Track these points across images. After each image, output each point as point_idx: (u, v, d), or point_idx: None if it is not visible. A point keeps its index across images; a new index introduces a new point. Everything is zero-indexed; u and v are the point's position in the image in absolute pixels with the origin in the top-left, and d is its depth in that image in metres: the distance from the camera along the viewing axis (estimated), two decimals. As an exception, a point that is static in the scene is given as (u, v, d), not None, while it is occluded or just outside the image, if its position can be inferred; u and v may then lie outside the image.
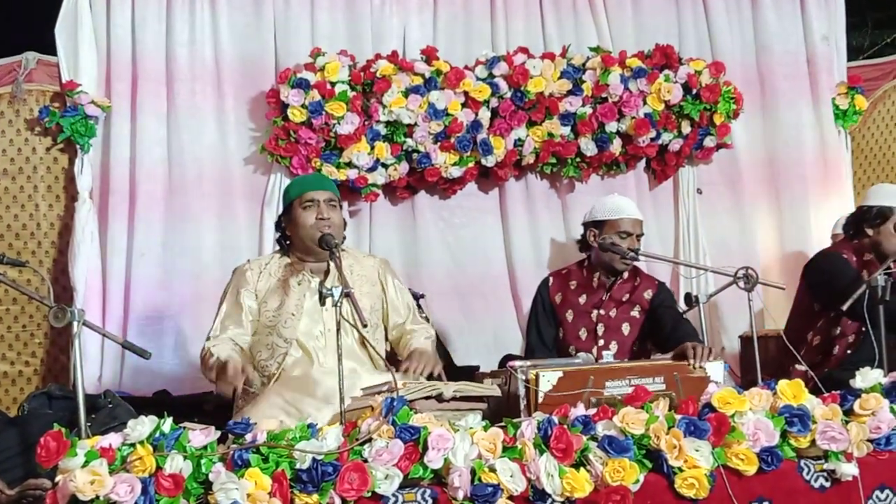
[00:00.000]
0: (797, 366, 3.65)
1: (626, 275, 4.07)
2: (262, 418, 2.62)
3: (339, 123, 4.64)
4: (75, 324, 2.93)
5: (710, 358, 3.20)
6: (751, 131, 5.45)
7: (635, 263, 4.15)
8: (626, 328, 3.99)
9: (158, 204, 4.77)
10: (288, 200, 3.49)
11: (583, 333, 4.01)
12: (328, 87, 4.66)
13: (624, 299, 4.02)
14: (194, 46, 4.85)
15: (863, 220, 4.09)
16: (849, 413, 2.75)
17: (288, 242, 3.53)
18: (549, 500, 2.47)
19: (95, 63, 4.74)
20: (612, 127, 4.95)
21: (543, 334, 4.07)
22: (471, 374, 3.93)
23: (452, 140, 4.77)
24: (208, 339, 3.40)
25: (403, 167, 4.81)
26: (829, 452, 2.67)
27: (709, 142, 5.15)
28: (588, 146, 4.96)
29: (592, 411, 2.66)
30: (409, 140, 4.76)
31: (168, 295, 4.74)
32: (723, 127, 5.11)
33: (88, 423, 2.97)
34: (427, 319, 4.22)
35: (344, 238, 3.49)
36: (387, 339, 3.63)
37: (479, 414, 2.74)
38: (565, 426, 2.57)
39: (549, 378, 2.94)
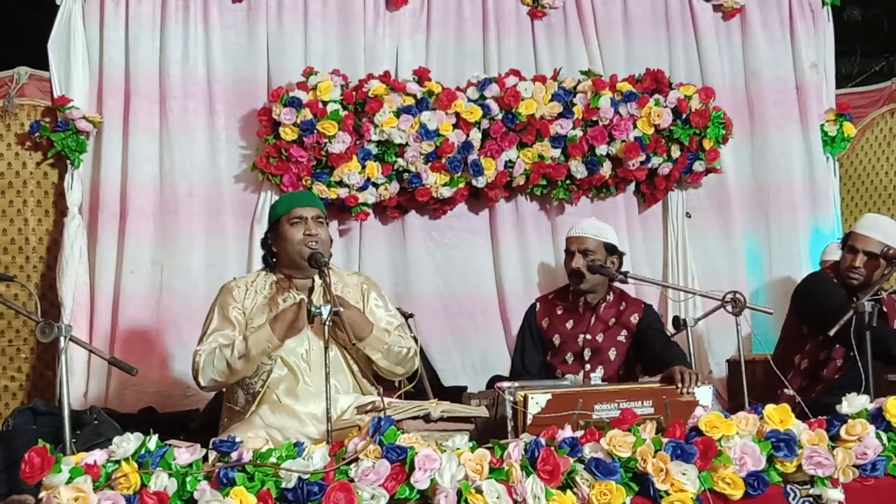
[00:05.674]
0: (784, 390, 3.66)
1: (611, 298, 4.08)
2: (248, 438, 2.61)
3: (330, 142, 4.64)
4: (62, 339, 2.92)
5: (697, 384, 3.21)
6: (740, 156, 5.48)
7: (622, 287, 4.17)
8: (612, 353, 4.00)
9: (148, 220, 4.75)
10: (275, 217, 3.46)
11: (569, 358, 4.02)
12: (320, 105, 4.66)
13: (610, 323, 4.03)
14: (187, 64, 4.85)
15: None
16: (835, 438, 2.76)
17: (274, 259, 3.52)
18: (536, 522, 2.47)
19: (88, 79, 4.74)
20: (602, 150, 4.97)
21: (527, 360, 4.08)
22: (458, 394, 3.92)
23: (443, 160, 4.78)
24: (198, 350, 3.29)
25: (394, 187, 4.82)
26: (816, 478, 2.67)
27: (698, 166, 5.17)
28: (578, 169, 4.98)
29: (580, 433, 2.66)
30: (399, 160, 4.77)
31: (156, 312, 4.71)
32: (712, 152, 5.14)
33: (73, 440, 2.96)
34: (415, 339, 4.22)
35: (330, 255, 3.47)
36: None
37: (466, 435, 2.74)
38: (552, 448, 2.57)
39: (538, 400, 2.94)
